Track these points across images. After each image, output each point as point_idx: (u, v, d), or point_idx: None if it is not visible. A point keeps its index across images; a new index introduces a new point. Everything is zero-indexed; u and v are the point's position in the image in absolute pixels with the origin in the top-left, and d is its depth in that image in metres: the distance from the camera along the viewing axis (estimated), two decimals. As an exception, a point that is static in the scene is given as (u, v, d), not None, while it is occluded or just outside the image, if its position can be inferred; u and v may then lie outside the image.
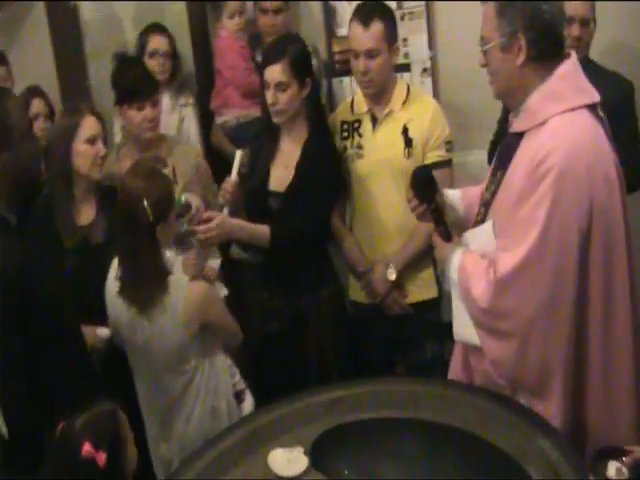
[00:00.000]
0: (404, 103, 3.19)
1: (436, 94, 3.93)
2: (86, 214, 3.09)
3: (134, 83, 3.27)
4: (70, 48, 4.54)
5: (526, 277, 2.14)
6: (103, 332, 2.89)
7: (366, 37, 3.08)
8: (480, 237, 2.33)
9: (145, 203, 2.55)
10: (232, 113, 4.12)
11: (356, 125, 3.25)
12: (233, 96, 4.09)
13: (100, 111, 4.47)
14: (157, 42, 4.09)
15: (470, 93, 3.91)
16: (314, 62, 3.95)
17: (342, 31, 4.15)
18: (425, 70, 4.03)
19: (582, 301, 2.17)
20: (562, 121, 2.15)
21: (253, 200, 3.16)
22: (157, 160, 2.89)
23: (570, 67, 2.22)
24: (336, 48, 4.21)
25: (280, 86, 3.04)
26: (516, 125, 2.28)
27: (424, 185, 2.44)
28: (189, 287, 2.66)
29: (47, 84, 4.32)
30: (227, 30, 4.12)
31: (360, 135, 3.24)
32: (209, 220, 2.87)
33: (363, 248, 3.29)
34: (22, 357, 2.27)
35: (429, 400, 2.37)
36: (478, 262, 2.27)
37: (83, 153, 3.02)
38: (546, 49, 2.18)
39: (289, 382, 2.67)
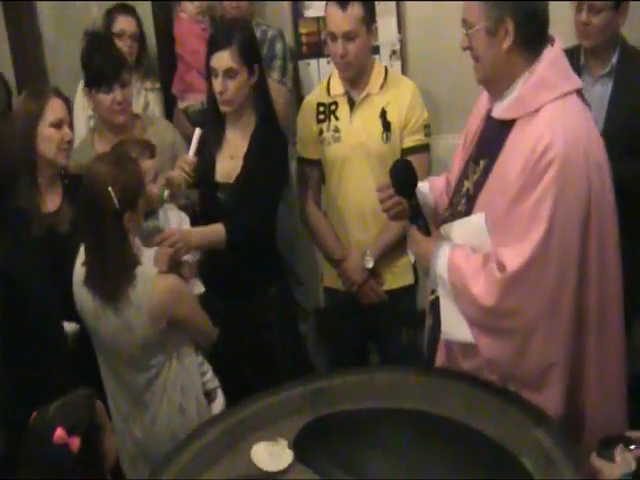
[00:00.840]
0: (382, 86, 3.12)
1: (404, 77, 3.84)
2: (52, 201, 2.98)
3: (102, 65, 3.13)
4: (26, 27, 4.39)
5: (533, 274, 2.09)
6: (70, 327, 2.77)
7: (345, 19, 3.00)
8: (466, 230, 2.26)
9: (110, 189, 2.44)
10: (195, 98, 3.99)
11: (332, 108, 3.17)
12: (197, 80, 3.94)
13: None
14: (124, 23, 3.99)
15: (440, 77, 3.86)
16: (279, 46, 3.92)
17: (309, 12, 4.06)
18: (394, 53, 3.94)
19: (581, 292, 2.14)
20: (556, 109, 2.11)
21: (200, 192, 3.07)
22: (142, 145, 2.76)
23: (557, 52, 2.18)
24: (303, 30, 4.10)
25: (229, 73, 2.93)
26: (503, 112, 2.22)
27: (405, 178, 2.36)
28: (157, 281, 2.53)
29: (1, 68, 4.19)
30: (187, 13, 4.00)
31: (337, 118, 3.16)
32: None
33: (339, 234, 3.23)
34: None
35: (413, 388, 2.32)
36: (470, 257, 2.19)
37: (48, 138, 2.90)
38: (533, 34, 2.15)
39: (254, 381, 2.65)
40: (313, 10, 4.05)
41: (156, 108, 4.10)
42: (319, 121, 3.19)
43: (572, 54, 3.14)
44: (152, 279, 2.53)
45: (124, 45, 3.91)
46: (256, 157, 3.01)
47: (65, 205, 2.97)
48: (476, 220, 2.23)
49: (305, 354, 3.49)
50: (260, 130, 3.04)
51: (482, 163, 2.27)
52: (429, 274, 2.29)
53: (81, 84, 4.06)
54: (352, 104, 3.15)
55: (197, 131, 2.99)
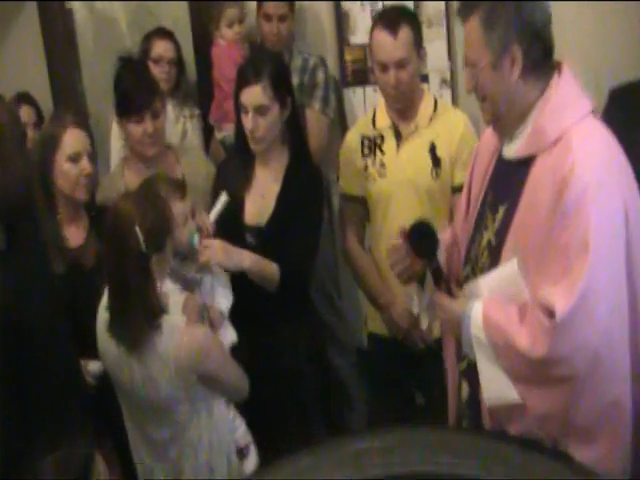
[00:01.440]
0: (431, 118, 2.94)
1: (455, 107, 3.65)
2: (76, 235, 2.83)
3: (132, 93, 2.96)
4: (63, 51, 4.31)
5: (585, 312, 1.91)
6: (94, 367, 2.62)
7: (396, 46, 2.81)
8: (497, 282, 2.08)
9: (137, 230, 2.27)
10: (233, 128, 3.81)
11: (378, 141, 2.99)
12: (232, 110, 3.76)
13: (94, 119, 4.34)
14: (162, 47, 3.87)
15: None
16: (321, 75, 3.77)
17: (355, 38, 3.90)
18: (444, 81, 3.75)
19: (634, 318, 1.98)
20: (579, 133, 1.98)
21: (225, 236, 2.77)
22: (174, 184, 2.56)
23: (567, 74, 2.06)
24: (348, 57, 3.93)
25: (260, 110, 2.74)
26: (520, 150, 2.07)
27: (426, 242, 2.18)
28: (184, 333, 2.34)
29: (38, 90, 4.09)
30: (225, 38, 3.85)
31: (383, 152, 2.97)
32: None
33: (384, 276, 3.00)
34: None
35: (473, 452, 2.10)
36: (507, 309, 2.02)
37: (65, 172, 2.76)
38: (540, 58, 2.03)
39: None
40: (359, 36, 3.88)
41: (195, 137, 3.97)
42: (364, 155, 3.02)
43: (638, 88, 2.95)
44: (179, 331, 2.34)
45: (161, 71, 3.81)
46: (290, 197, 2.82)
47: (91, 239, 2.82)
48: (508, 268, 2.06)
49: (339, 385, 3.32)
50: (294, 167, 2.86)
51: (502, 209, 2.11)
52: (462, 338, 2.11)
53: (116, 109, 3.96)
54: (399, 137, 2.97)
55: (223, 197, 2.75)
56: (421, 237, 2.19)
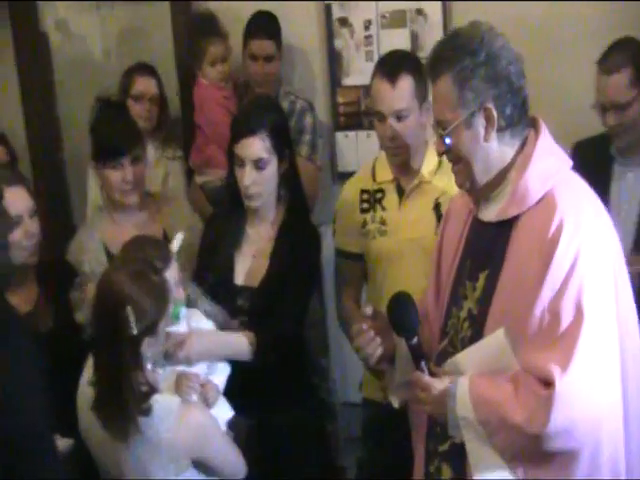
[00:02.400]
0: (435, 173, 2.74)
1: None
2: (28, 299, 2.61)
3: (111, 136, 2.77)
4: (38, 77, 4.14)
5: (584, 376, 1.82)
6: (64, 443, 2.36)
7: (394, 96, 2.62)
8: (483, 355, 1.95)
9: (129, 311, 2.06)
10: (215, 173, 3.64)
11: (379, 196, 2.79)
12: (216, 154, 3.61)
13: (69, 153, 4.13)
14: (143, 84, 3.69)
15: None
16: (309, 119, 3.62)
17: (348, 80, 3.77)
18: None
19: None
20: (564, 191, 1.92)
21: (216, 298, 2.60)
22: (160, 249, 2.36)
23: (544, 129, 1.99)
24: (341, 99, 3.80)
25: (258, 164, 2.56)
26: (502, 212, 1.97)
27: (407, 316, 2.03)
28: (180, 417, 2.13)
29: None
30: (208, 78, 3.68)
31: (384, 208, 2.78)
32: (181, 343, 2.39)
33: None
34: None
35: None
36: (498, 383, 1.89)
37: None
38: (516, 114, 1.94)
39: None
40: (352, 78, 3.75)
41: (178, 180, 3.77)
42: (363, 210, 2.82)
43: (601, 142, 2.91)
44: (173, 413, 2.12)
45: (142, 109, 3.64)
46: (285, 257, 2.63)
47: (42, 300, 2.62)
48: (494, 339, 1.93)
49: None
50: (289, 225, 2.67)
51: (483, 276, 2.00)
52: (447, 420, 1.95)
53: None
54: (401, 193, 2.77)
55: (179, 236, 2.51)
56: (401, 311, 2.04)
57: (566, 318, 1.82)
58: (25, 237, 2.54)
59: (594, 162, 2.82)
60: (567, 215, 1.85)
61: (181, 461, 2.14)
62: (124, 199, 2.78)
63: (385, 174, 2.80)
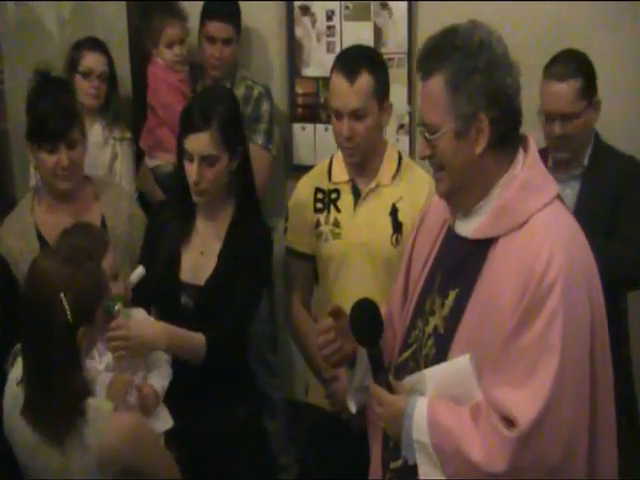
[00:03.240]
0: (394, 177, 2.65)
1: (412, 154, 3.40)
2: None
3: (46, 117, 2.57)
4: None
5: (551, 418, 1.71)
6: None
7: (351, 93, 2.51)
8: (445, 378, 1.84)
9: (63, 298, 1.93)
10: (166, 158, 3.52)
11: (334, 196, 2.69)
12: (168, 138, 3.48)
13: (14, 130, 3.96)
14: (92, 60, 3.52)
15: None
16: (265, 107, 3.51)
17: (307, 70, 3.65)
18: (402, 127, 3.51)
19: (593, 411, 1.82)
20: (547, 218, 1.80)
21: (159, 295, 2.50)
22: (96, 236, 2.23)
23: (534, 151, 1.87)
24: (299, 89, 3.67)
25: (207, 160, 2.44)
26: (481, 230, 1.84)
27: (371, 325, 1.92)
28: (110, 422, 2.00)
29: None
30: (164, 60, 3.56)
31: (338, 209, 2.68)
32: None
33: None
34: None
35: None
36: (457, 413, 1.79)
37: None
38: (509, 131, 1.82)
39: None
40: (312, 69, 3.62)
41: (125, 162, 3.61)
42: (316, 210, 2.72)
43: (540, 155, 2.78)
44: (104, 417, 2.00)
45: (90, 86, 3.49)
46: (234, 255, 2.52)
47: None
48: (459, 364, 1.82)
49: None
50: (239, 222, 2.56)
51: (453, 294, 1.88)
52: (401, 440, 1.85)
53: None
54: (357, 195, 2.67)
55: (140, 270, 2.42)
56: (364, 319, 1.93)
57: (536, 355, 1.71)
58: None
59: None
60: (548, 243, 1.74)
61: (108, 469, 2.00)
62: (58, 184, 2.62)
63: (341, 174, 2.70)
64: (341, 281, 2.67)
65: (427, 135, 1.82)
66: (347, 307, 2.35)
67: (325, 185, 2.73)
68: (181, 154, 2.49)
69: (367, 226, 2.63)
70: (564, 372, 1.70)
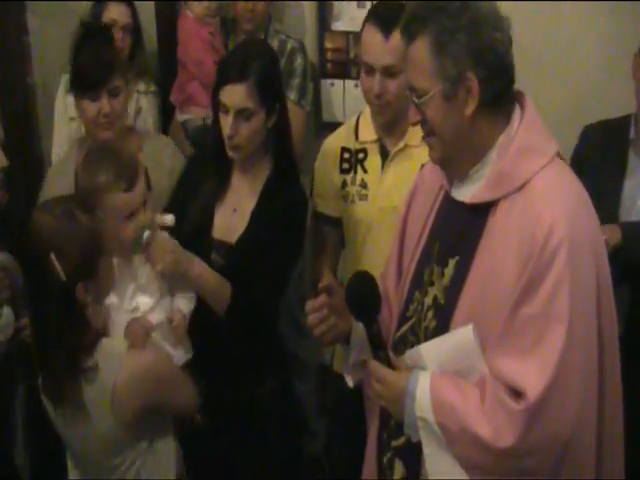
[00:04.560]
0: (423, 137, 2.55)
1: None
2: None
3: (89, 65, 2.59)
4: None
5: (561, 391, 1.65)
6: None
7: (386, 49, 2.41)
8: (447, 351, 1.78)
9: (53, 258, 1.87)
10: (197, 112, 3.48)
11: (361, 156, 2.60)
12: (198, 93, 3.45)
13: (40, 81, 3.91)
14: (116, 11, 3.45)
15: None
16: (299, 61, 3.41)
17: (337, 25, 3.53)
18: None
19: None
20: (547, 180, 1.73)
21: (190, 250, 2.41)
22: (115, 173, 2.14)
23: (531, 109, 1.79)
24: (329, 44, 3.57)
25: (243, 113, 2.35)
26: (479, 194, 1.78)
27: (367, 300, 1.84)
28: (124, 361, 1.97)
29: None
30: (193, 13, 3.47)
31: (365, 170, 2.59)
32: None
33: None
34: None
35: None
36: (462, 388, 1.74)
37: None
38: (500, 88, 1.74)
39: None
40: (342, 23, 3.51)
41: (150, 116, 3.56)
42: (342, 171, 2.63)
43: (620, 125, 2.64)
44: (118, 357, 1.96)
45: (115, 38, 3.37)
46: (266, 215, 2.44)
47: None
48: (461, 335, 1.76)
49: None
50: (275, 181, 2.47)
51: (452, 262, 1.82)
52: (404, 419, 1.79)
53: (64, 78, 3.58)
54: (385, 155, 2.58)
55: (169, 218, 2.34)
56: (360, 294, 1.84)
57: (543, 324, 1.65)
58: None
59: (606, 149, 2.63)
60: (549, 211, 1.68)
61: (125, 412, 1.97)
62: (100, 133, 2.62)
63: (368, 133, 2.61)
64: (369, 246, 2.60)
65: (415, 99, 1.76)
66: (376, 273, 2.29)
67: (352, 144, 2.64)
68: (216, 107, 2.41)
69: (395, 188, 2.54)
70: (572, 340, 1.64)
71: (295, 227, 2.48)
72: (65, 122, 3.55)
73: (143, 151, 2.71)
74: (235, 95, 2.33)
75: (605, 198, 2.40)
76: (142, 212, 2.19)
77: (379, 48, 2.43)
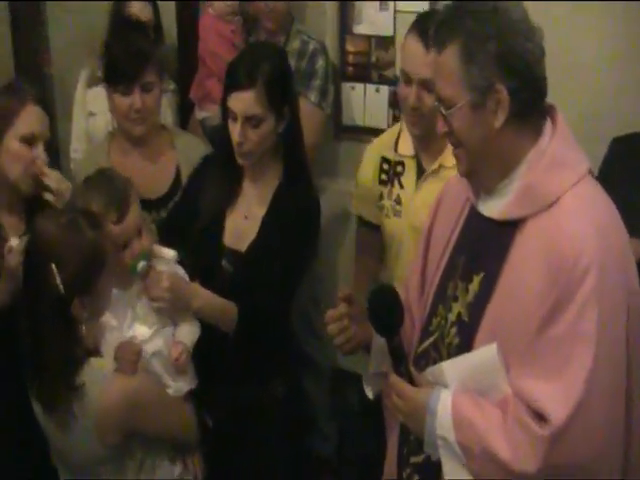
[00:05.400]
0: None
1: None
2: (10, 233, 2.37)
3: (121, 59, 2.58)
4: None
5: (586, 413, 1.61)
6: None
7: (425, 61, 2.31)
8: (469, 369, 1.75)
9: (54, 269, 1.84)
10: (215, 109, 3.40)
11: (399, 169, 2.60)
12: (217, 90, 3.35)
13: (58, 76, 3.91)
14: (137, 8, 3.45)
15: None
16: (321, 63, 3.39)
17: (360, 28, 3.52)
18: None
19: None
20: (578, 198, 1.67)
21: (200, 258, 2.40)
22: (113, 200, 2.11)
23: (562, 123, 1.74)
24: (350, 48, 3.56)
25: (251, 120, 2.31)
26: (506, 210, 1.73)
27: (390, 314, 1.79)
28: (110, 385, 1.93)
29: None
30: (215, 10, 3.47)
31: (401, 186, 2.59)
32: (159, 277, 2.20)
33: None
34: None
35: None
36: (484, 407, 1.70)
37: (15, 154, 2.30)
38: (531, 101, 1.68)
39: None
40: (364, 26, 3.50)
41: (168, 114, 3.56)
42: (381, 182, 2.64)
43: None
44: (103, 379, 1.93)
45: None
46: (278, 223, 2.40)
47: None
48: (485, 354, 1.72)
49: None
50: (286, 186, 2.43)
51: (477, 279, 1.78)
52: (424, 436, 1.76)
53: (84, 73, 3.58)
54: (420, 172, 2.57)
55: (172, 253, 2.29)
56: (383, 308, 1.80)
57: (570, 346, 1.60)
58: (31, 162, 2.32)
59: (635, 161, 2.59)
60: (580, 226, 1.63)
61: (107, 435, 1.96)
62: (132, 128, 2.63)
63: (407, 147, 2.61)
64: (401, 261, 2.59)
65: (443, 111, 1.71)
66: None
67: (391, 155, 2.63)
68: (225, 113, 2.38)
69: (426, 209, 2.46)
70: (599, 363, 1.59)
71: (306, 233, 2.45)
72: (84, 117, 3.56)
73: (175, 148, 2.73)
74: (243, 102, 2.29)
75: (632, 211, 2.34)
76: (137, 241, 2.16)
77: (419, 59, 2.39)
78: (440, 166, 2.53)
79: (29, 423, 2.08)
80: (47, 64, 4.03)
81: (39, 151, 2.33)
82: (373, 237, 2.73)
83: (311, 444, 3.47)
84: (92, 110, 3.50)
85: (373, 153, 2.70)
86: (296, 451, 2.70)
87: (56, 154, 3.84)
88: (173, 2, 3.72)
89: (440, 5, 3.16)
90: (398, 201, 2.61)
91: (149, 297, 2.19)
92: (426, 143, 2.55)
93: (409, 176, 2.60)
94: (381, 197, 2.64)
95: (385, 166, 2.64)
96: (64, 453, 2.06)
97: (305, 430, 3.01)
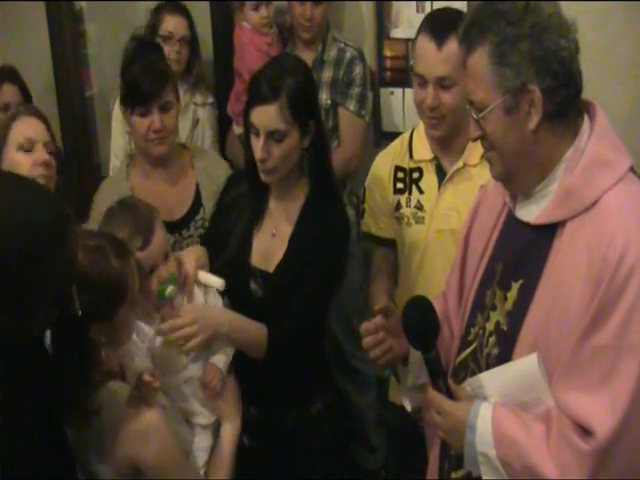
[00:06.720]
0: (483, 156, 2.43)
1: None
2: None
3: (139, 80, 2.54)
4: (67, 15, 3.89)
5: (635, 425, 1.55)
6: None
7: (438, 60, 2.29)
8: (510, 381, 1.70)
9: (74, 291, 1.77)
10: None
11: (416, 175, 2.48)
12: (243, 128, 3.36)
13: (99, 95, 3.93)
14: (173, 24, 3.45)
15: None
16: (359, 70, 3.33)
17: (397, 32, 3.45)
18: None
19: None
20: (620, 197, 1.62)
21: (229, 280, 2.32)
22: (140, 228, 2.11)
23: (602, 120, 1.68)
24: (388, 52, 3.48)
25: (274, 135, 2.23)
26: (545, 214, 1.68)
27: (426, 326, 1.76)
28: (126, 415, 1.89)
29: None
30: (250, 23, 3.41)
31: (421, 191, 2.46)
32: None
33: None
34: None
35: None
36: (522, 421, 1.65)
37: (17, 163, 2.37)
38: (566, 100, 1.63)
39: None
40: (401, 30, 3.41)
41: (207, 128, 3.54)
42: (396, 191, 2.51)
43: None
44: (119, 405, 1.88)
45: (171, 50, 3.41)
46: (305, 240, 2.32)
47: None
48: (526, 365, 1.67)
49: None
50: (313, 204, 2.35)
51: (515, 286, 1.73)
52: (465, 453, 1.72)
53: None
54: (442, 174, 2.44)
55: (218, 282, 2.28)
56: (418, 320, 1.77)
57: (615, 355, 1.55)
58: (35, 163, 2.37)
59: None
60: (622, 227, 1.57)
61: (118, 465, 1.91)
62: (151, 149, 2.59)
63: (424, 151, 2.48)
64: (425, 272, 2.46)
65: (475, 114, 1.67)
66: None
67: (406, 163, 2.51)
68: (247, 128, 2.30)
69: (454, 211, 2.40)
70: None
71: (336, 251, 2.36)
72: (121, 134, 3.55)
73: (195, 167, 2.68)
74: (265, 116, 2.22)
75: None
76: (162, 266, 2.13)
77: (432, 58, 2.31)
78: (465, 164, 2.42)
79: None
80: (88, 86, 4.05)
81: (38, 153, 2.38)
82: (389, 254, 2.62)
83: (358, 456, 3.43)
84: (129, 129, 3.49)
85: (384, 163, 2.58)
86: (342, 464, 2.63)
87: (98, 171, 3.85)
88: (208, 15, 3.68)
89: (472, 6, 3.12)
90: (419, 207, 2.47)
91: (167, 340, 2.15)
92: (447, 144, 2.43)
93: (429, 180, 2.47)
94: (398, 207, 2.51)
95: (400, 174, 2.52)
96: (87, 472, 2.00)
97: (351, 442, 2.95)
